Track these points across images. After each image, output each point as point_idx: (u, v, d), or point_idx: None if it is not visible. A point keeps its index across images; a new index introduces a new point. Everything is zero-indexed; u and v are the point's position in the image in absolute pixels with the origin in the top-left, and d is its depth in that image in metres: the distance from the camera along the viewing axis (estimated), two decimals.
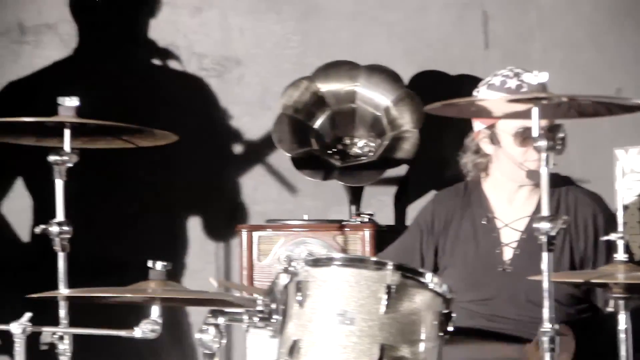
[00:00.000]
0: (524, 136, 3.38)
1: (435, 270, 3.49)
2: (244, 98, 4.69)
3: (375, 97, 4.32)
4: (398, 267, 2.80)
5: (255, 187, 4.65)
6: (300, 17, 4.63)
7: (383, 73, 4.31)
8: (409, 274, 2.82)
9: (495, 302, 3.42)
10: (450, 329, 2.85)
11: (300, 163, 4.27)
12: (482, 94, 3.45)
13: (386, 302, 2.76)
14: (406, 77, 4.41)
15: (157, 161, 4.48)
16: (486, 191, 3.55)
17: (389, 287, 2.77)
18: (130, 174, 4.62)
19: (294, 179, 4.56)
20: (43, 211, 4.64)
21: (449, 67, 4.54)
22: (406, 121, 4.24)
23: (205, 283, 4.50)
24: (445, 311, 2.85)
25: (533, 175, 3.20)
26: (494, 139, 3.47)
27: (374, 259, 2.90)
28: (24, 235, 4.65)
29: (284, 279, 2.91)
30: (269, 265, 4.17)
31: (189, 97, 4.70)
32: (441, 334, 2.84)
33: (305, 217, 4.26)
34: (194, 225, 4.69)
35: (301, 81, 4.35)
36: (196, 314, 4.44)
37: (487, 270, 3.45)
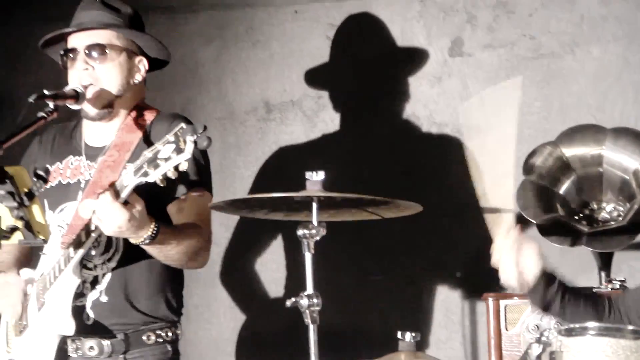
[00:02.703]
0: None
1: None
2: (485, 166, 4.65)
3: (623, 160, 4.21)
4: None
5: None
6: (542, 82, 4.57)
7: (630, 135, 4.20)
8: None
9: None
10: None
11: (546, 229, 4.19)
12: None
13: None
14: None
15: (400, 230, 4.49)
16: None
17: None
18: (374, 244, 4.65)
19: (540, 245, 4.47)
20: (293, 284, 4.75)
21: None
22: None
23: (454, 354, 4.48)
24: None
25: None
26: None
27: (631, 327, 2.79)
28: (276, 308, 4.75)
29: (536, 349, 2.85)
30: (517, 334, 4.09)
31: (429, 166, 4.71)
32: None
33: None
34: (439, 294, 4.67)
35: (544, 146, 4.29)
36: None
37: None
